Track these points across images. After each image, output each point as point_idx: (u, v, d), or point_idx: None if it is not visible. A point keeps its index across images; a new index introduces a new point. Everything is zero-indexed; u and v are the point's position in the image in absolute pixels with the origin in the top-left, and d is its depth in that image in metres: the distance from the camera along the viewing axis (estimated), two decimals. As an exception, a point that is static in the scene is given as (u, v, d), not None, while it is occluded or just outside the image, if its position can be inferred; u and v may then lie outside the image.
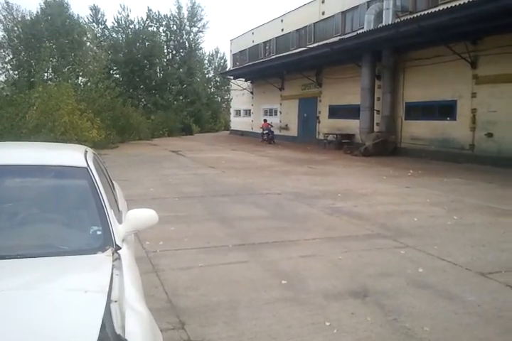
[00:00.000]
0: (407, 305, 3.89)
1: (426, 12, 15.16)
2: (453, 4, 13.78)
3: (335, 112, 24.45)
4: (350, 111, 22.35)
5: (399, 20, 17.33)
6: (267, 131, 27.62)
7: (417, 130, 18.18)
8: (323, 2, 25.46)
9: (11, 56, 34.79)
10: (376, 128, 19.68)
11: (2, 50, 35.24)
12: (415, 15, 16.59)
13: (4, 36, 35.35)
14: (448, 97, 16.67)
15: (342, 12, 23.86)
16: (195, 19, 43.49)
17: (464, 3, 12.96)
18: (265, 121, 28.84)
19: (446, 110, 16.90)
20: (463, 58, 15.41)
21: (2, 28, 35.79)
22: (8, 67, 34.76)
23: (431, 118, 17.67)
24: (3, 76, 33.75)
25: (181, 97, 42.48)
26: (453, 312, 3.79)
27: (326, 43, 20.89)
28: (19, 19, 35.45)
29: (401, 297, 4.07)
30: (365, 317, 3.65)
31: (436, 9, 14.50)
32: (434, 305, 3.91)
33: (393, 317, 3.66)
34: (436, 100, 17.30)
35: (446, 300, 4.03)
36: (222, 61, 51.61)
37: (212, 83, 50.18)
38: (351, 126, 21.82)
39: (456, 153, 16.05)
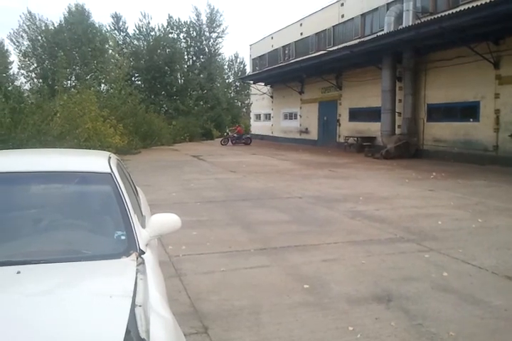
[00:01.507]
0: (432, 310, 3.83)
1: (447, 13, 15.00)
2: (474, 4, 13.61)
3: (355, 115, 24.32)
4: (370, 114, 22.21)
5: (419, 21, 17.18)
6: (236, 135, 30.75)
7: (440, 132, 17.95)
8: (342, 5, 25.40)
9: (35, 65, 35.59)
10: (397, 131, 19.51)
11: (27, 59, 36.07)
12: (436, 16, 16.43)
13: (29, 45, 36.20)
14: (470, 98, 16.43)
15: (361, 14, 23.77)
16: (214, 25, 43.83)
17: (486, 2, 12.79)
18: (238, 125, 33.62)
19: (468, 111, 16.66)
20: (485, 59, 15.18)
21: (27, 37, 36.67)
22: (33, 75, 35.56)
23: (453, 119, 17.43)
24: (28, 84, 34.53)
25: (202, 103, 42.74)
26: (479, 317, 3.73)
27: (346, 46, 20.84)
28: (43, 28, 36.26)
29: (426, 301, 4.02)
30: (389, 321, 3.61)
31: (457, 10, 14.33)
32: (459, 310, 3.85)
33: (418, 322, 3.61)
34: (458, 101, 17.07)
35: (472, 305, 3.96)
36: (242, 66, 52.01)
37: (232, 88, 50.43)
38: (372, 128, 21.68)
39: (479, 154, 15.79)
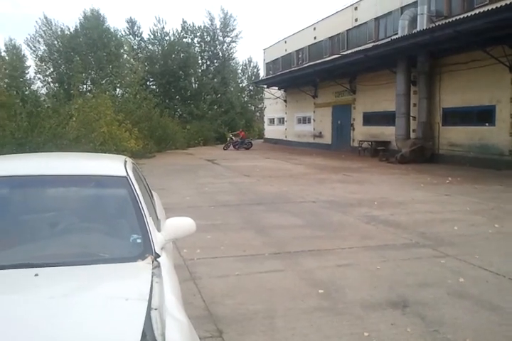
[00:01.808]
0: (448, 316, 3.79)
1: (461, 16, 14.90)
2: (489, 7, 13.50)
3: (369, 119, 24.21)
4: (385, 118, 22.10)
5: (433, 25, 17.07)
6: (240, 140, 30.55)
7: (455, 136, 17.78)
8: (356, 9, 25.36)
9: (52, 69, 36.06)
10: (412, 135, 19.36)
11: (43, 64, 36.58)
12: (450, 19, 16.31)
13: (45, 50, 36.70)
14: (486, 102, 16.26)
15: (375, 18, 23.69)
16: (227, 29, 44.01)
17: (501, 6, 12.67)
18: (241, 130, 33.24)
19: (484, 115, 16.48)
20: (501, 62, 15.02)
21: (43, 42, 37.19)
22: (49, 79, 36.03)
23: (469, 123, 17.26)
24: (45, 88, 34.99)
25: (216, 107, 42.91)
26: (496, 323, 3.68)
27: (360, 50, 20.77)
28: (59, 33, 36.75)
29: (442, 307, 3.97)
30: (405, 328, 3.58)
31: (472, 13, 14.20)
32: (476, 316, 3.80)
33: (434, 329, 3.57)
34: (474, 105, 16.90)
35: (489, 311, 3.90)
36: (256, 70, 52.00)
37: (245, 92, 50.53)
38: (386, 132, 21.55)
39: (495, 159, 15.60)
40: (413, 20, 19.30)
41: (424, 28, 17.56)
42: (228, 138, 31.45)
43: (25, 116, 14.78)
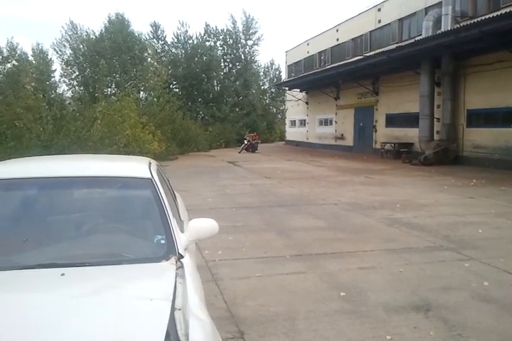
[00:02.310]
0: (472, 320, 3.74)
1: (487, 16, 14.67)
2: (516, 7, 13.29)
3: (392, 121, 24.00)
4: (408, 120, 21.89)
5: (458, 25, 16.85)
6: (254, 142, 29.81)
7: (480, 138, 17.50)
8: (379, 10, 25.19)
9: (77, 73, 36.69)
10: (436, 137, 19.13)
11: (69, 68, 37.24)
12: (476, 20, 16.08)
13: (71, 54, 37.37)
14: (512, 104, 15.98)
15: (399, 19, 23.50)
16: (250, 32, 44.12)
17: (529, 5, 12.46)
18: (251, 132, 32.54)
19: (510, 117, 16.17)
20: (528, 63, 14.76)
21: (69, 46, 37.88)
22: (75, 83, 36.66)
23: (494, 125, 16.97)
24: (70, 92, 35.61)
25: (237, 109, 43.05)
26: (522, 328, 3.62)
27: (383, 51, 20.64)
28: (84, 38, 37.38)
29: (465, 311, 3.93)
30: (428, 331, 3.55)
31: (498, 13, 13.98)
32: (501, 321, 3.75)
33: (458, 332, 3.53)
34: (499, 107, 16.61)
35: (515, 316, 3.84)
36: (277, 72, 51.95)
37: (267, 94, 50.53)
38: (409, 134, 21.34)
39: (521, 161, 15.30)
40: (437, 21, 19.07)
41: (449, 28, 17.36)
42: (245, 141, 30.16)
43: (50, 119, 15.07)
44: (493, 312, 3.91)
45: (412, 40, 19.33)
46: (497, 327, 3.63)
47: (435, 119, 19.20)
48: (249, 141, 29.90)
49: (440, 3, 19.16)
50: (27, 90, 19.81)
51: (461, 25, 16.29)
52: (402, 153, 20.62)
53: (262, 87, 49.94)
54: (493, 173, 14.83)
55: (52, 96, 22.92)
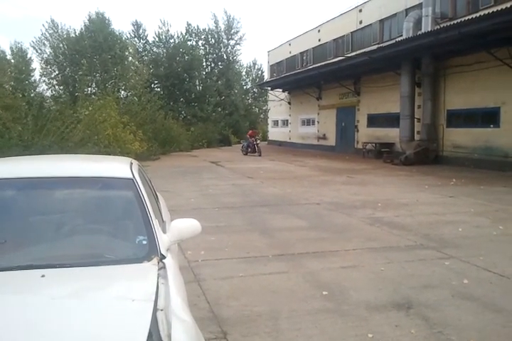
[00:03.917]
0: (452, 318, 3.79)
1: (466, 18, 14.88)
2: (494, 9, 13.50)
3: (374, 121, 24.21)
4: (389, 120, 22.10)
5: (438, 27, 17.07)
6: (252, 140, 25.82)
7: (459, 138, 17.75)
8: (360, 11, 25.38)
9: (57, 72, 36.20)
10: (417, 137, 19.35)
11: (49, 67, 36.72)
12: (455, 21, 16.31)
13: (51, 53, 36.85)
14: (491, 104, 16.24)
15: (380, 20, 23.71)
16: (232, 32, 44.12)
17: (506, 7, 12.66)
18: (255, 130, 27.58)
19: (489, 117, 16.46)
20: (506, 64, 14.99)
21: (49, 45, 37.36)
22: (54, 82, 36.17)
23: (473, 125, 17.23)
24: (50, 91, 35.11)
25: (220, 109, 42.99)
26: (501, 325, 3.67)
27: (364, 52, 20.80)
28: (64, 36, 36.90)
29: (446, 309, 3.98)
30: (409, 329, 3.59)
31: (477, 15, 14.19)
32: (480, 318, 3.80)
33: (438, 330, 3.57)
34: (478, 107, 16.87)
35: (494, 313, 3.90)
36: (260, 72, 52.02)
37: (249, 94, 50.59)
38: (391, 134, 21.55)
39: (500, 161, 15.57)
40: (418, 22, 19.29)
41: (429, 29, 17.56)
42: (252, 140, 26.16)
43: (31, 119, 14.85)
44: (473, 310, 3.97)
45: (393, 41, 19.52)
46: (477, 324, 3.69)
47: (416, 119, 19.42)
48: (255, 138, 25.98)
49: (420, 4, 19.40)
50: (5, 89, 19.46)
51: (441, 26, 16.51)
52: (384, 153, 20.81)
53: (245, 87, 50.00)
54: (472, 173, 15.06)
55: (32, 95, 22.54)
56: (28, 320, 1.79)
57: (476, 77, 16.72)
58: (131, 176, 2.96)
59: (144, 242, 2.54)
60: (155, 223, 2.65)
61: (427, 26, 18.40)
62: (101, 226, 2.79)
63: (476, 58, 16.33)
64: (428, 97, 18.76)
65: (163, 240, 2.61)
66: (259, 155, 24.63)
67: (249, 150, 26.06)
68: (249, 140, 26.53)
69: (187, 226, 2.80)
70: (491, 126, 16.35)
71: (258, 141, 25.95)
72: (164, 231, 2.76)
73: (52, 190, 3.01)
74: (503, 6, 12.96)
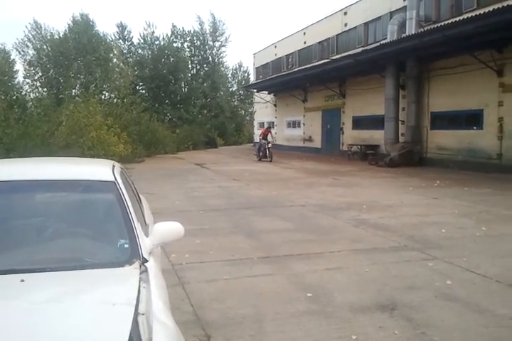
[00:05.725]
0: (435, 319, 3.82)
1: (450, 21, 15.07)
2: (477, 12, 13.67)
3: (359, 123, 24.36)
4: (374, 122, 22.25)
5: (422, 29, 17.24)
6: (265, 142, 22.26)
7: (443, 140, 17.94)
8: (345, 14, 25.54)
9: (40, 74, 35.79)
10: (401, 139, 19.51)
11: (32, 68, 36.29)
12: (439, 24, 16.49)
13: (34, 54, 36.43)
14: (474, 106, 16.44)
15: (364, 23, 23.88)
16: (217, 34, 44.09)
17: (489, 11, 12.84)
18: (268, 128, 23.85)
19: (472, 119, 16.65)
20: (489, 67, 15.21)
21: (32, 47, 36.93)
22: (38, 84, 35.74)
23: (457, 127, 17.42)
24: (33, 93, 34.67)
25: (205, 111, 42.88)
26: (483, 325, 3.70)
27: (349, 55, 20.91)
28: (48, 38, 36.52)
29: (429, 310, 4.00)
30: (392, 330, 3.60)
31: (461, 18, 14.37)
32: (463, 319, 3.83)
33: (421, 331, 3.59)
34: (462, 109, 17.07)
35: (477, 314, 3.94)
36: (246, 74, 52.00)
37: (235, 96, 50.54)
38: (376, 136, 21.69)
39: (483, 162, 15.76)
40: (402, 25, 19.49)
41: (413, 32, 17.76)
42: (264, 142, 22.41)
43: (13, 122, 14.67)
44: (456, 311, 4.00)
45: (378, 44, 19.67)
46: (460, 325, 3.71)
47: (400, 122, 19.58)
48: (267, 141, 21.98)
49: (404, 7, 19.60)
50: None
51: (425, 29, 16.67)
52: (369, 155, 20.92)
53: (230, 89, 49.92)
54: (456, 174, 15.21)
55: (14, 97, 22.20)
56: (5, 325, 1.76)
57: (459, 79, 16.92)
58: (113, 179, 2.93)
59: (126, 246, 2.51)
60: (137, 226, 2.63)
61: (411, 29, 18.59)
62: (82, 230, 2.76)
63: (460, 61, 16.53)
64: (412, 100, 18.92)
65: (146, 243, 2.59)
66: (270, 161, 21.11)
67: (261, 154, 22.01)
68: (260, 141, 22.70)
69: (170, 229, 2.79)
70: (475, 128, 16.55)
71: (270, 144, 22.02)
72: (147, 235, 2.74)
73: (33, 193, 2.97)
74: (486, 9, 13.14)
